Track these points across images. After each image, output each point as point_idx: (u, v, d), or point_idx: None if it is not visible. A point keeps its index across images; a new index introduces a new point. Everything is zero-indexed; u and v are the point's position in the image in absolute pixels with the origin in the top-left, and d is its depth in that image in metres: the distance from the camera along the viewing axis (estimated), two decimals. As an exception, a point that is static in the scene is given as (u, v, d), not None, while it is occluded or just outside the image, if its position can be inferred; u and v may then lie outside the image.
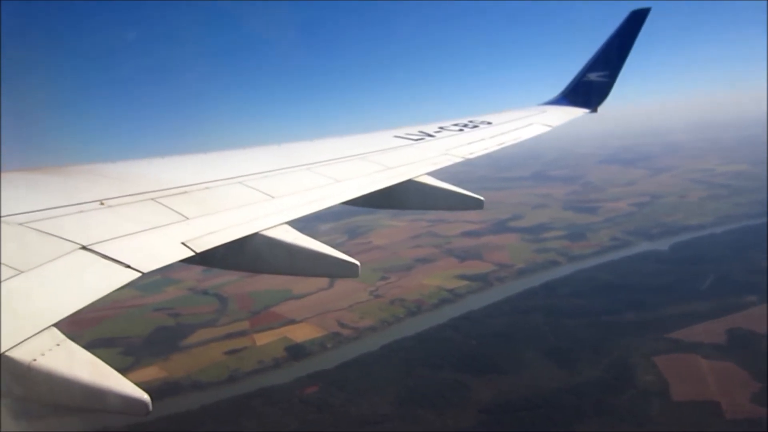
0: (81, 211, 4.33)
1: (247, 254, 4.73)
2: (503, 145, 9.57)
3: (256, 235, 4.69)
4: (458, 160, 8.19)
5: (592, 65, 13.21)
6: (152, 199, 4.90)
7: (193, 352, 67.17)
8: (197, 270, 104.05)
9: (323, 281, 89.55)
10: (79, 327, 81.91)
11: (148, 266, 3.77)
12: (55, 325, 3.01)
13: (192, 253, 4.16)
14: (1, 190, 4.35)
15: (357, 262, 4.74)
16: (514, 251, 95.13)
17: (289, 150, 8.01)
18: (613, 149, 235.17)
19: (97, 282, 3.43)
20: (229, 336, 70.80)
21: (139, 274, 3.65)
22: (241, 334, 71.23)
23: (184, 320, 78.50)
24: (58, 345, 2.90)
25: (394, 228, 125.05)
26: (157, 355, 67.17)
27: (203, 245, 4.26)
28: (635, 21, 12.24)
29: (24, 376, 2.74)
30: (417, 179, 6.97)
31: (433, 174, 7.31)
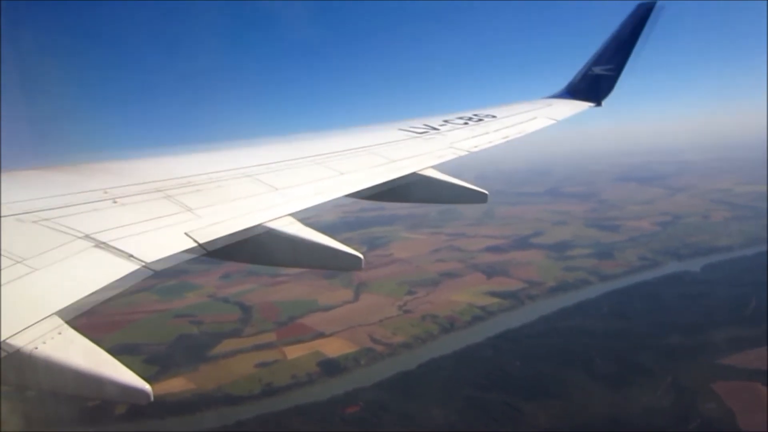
0: (86, 202, 4.36)
1: (251, 246, 4.71)
2: (508, 139, 9.49)
3: (260, 227, 4.71)
4: (463, 153, 8.16)
5: (598, 59, 13.06)
6: (157, 190, 4.92)
7: (221, 363, 65.06)
8: (215, 276, 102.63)
9: (348, 294, 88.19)
10: (99, 332, 79.64)
11: (152, 257, 3.77)
12: (59, 314, 3.01)
13: (196, 245, 4.16)
14: (9, 186, 4.39)
15: (360, 255, 4.73)
16: (541, 268, 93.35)
17: (294, 142, 7.98)
18: (625, 167, 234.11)
19: (101, 272, 3.43)
20: (258, 347, 68.77)
21: (143, 264, 3.64)
22: (270, 346, 69.16)
23: (207, 328, 76.50)
24: (59, 333, 2.89)
25: (413, 240, 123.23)
26: (182, 364, 65.02)
27: (207, 236, 4.28)
28: (641, 15, 12.13)
29: (25, 363, 2.72)
30: (421, 172, 6.99)
31: (438, 167, 7.29)
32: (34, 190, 4.57)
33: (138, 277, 3.62)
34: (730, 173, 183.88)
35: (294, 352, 66.82)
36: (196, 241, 4.17)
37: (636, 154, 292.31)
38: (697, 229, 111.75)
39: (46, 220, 3.93)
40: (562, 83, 14.06)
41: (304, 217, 5.16)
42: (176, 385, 59.52)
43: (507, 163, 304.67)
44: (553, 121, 11.20)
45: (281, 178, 5.87)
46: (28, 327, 2.82)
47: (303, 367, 62.76)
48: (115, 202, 4.51)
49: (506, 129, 9.91)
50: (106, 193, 4.61)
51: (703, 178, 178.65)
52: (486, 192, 6.93)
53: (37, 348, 2.76)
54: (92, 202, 4.40)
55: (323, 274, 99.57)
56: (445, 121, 10.11)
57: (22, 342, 2.75)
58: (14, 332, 2.76)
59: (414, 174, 6.90)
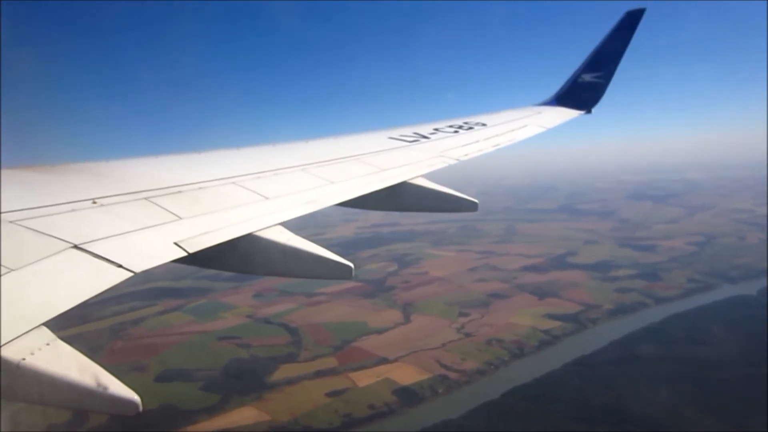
0: (73, 210, 4.23)
1: (240, 255, 4.60)
2: (498, 147, 9.45)
3: (249, 236, 4.57)
4: (453, 162, 8.09)
5: (587, 66, 12.94)
6: (145, 198, 4.80)
7: (287, 391, 61.13)
8: (246, 294, 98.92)
9: (397, 315, 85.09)
10: (140, 355, 75.35)
11: (140, 266, 3.70)
12: (47, 324, 2.95)
13: (185, 254, 4.04)
14: None
15: (351, 264, 4.60)
16: (591, 290, 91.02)
17: (283, 150, 7.83)
18: (632, 184, 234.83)
19: (89, 281, 3.38)
20: (320, 374, 65.02)
21: (131, 274, 3.60)
22: (333, 372, 65.45)
23: (257, 352, 72.49)
24: (47, 344, 2.86)
25: (444, 258, 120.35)
26: (245, 392, 60.92)
27: (196, 245, 4.16)
28: (630, 21, 11.97)
29: (12, 375, 2.71)
30: (412, 181, 6.89)
31: (428, 176, 7.25)
32: (19, 191, 4.42)
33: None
34: (743, 192, 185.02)
35: (362, 379, 63.17)
36: (185, 251, 4.04)
37: (639, 172, 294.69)
38: (737, 250, 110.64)
39: (32, 223, 3.81)
40: (551, 90, 13.89)
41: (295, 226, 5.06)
42: (248, 416, 55.55)
43: (509, 178, 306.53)
44: (544, 129, 11.10)
45: (270, 187, 5.76)
46: (16, 338, 2.74)
47: (378, 396, 59.15)
48: (103, 209, 4.38)
49: (497, 137, 9.84)
50: (93, 200, 4.47)
51: (717, 198, 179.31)
52: (476, 201, 6.78)
53: (24, 359, 2.71)
54: (80, 210, 4.26)
55: (363, 293, 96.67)
56: (436, 129, 9.98)
57: (10, 353, 2.69)
58: (2, 343, 2.69)
59: (404, 183, 6.82)
